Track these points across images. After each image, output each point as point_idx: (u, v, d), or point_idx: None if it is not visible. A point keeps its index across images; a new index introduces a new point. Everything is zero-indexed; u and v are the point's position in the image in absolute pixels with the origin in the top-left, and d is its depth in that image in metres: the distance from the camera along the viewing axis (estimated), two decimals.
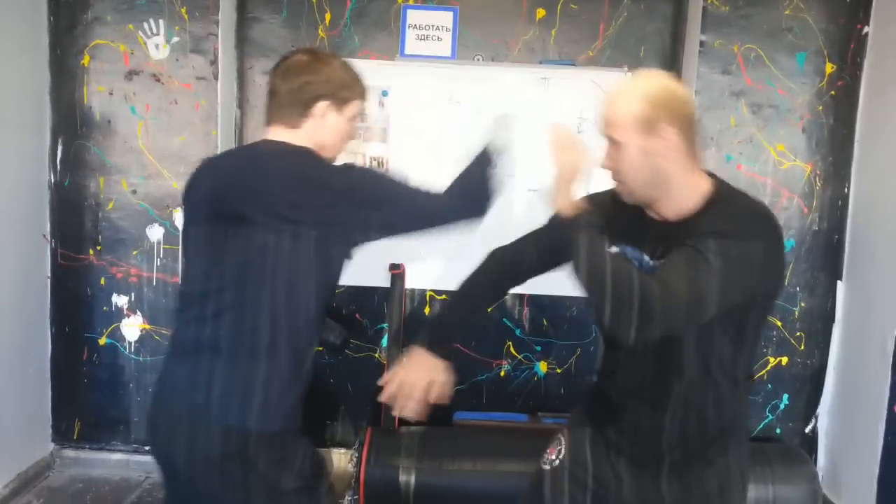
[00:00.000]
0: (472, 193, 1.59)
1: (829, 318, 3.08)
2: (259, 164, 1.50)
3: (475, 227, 1.59)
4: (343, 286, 3.21)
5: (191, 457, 1.47)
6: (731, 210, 1.39)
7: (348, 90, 1.58)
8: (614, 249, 1.44)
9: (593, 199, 1.56)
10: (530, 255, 1.67)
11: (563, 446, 1.67)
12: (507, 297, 3.23)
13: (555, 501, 1.62)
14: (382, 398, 1.56)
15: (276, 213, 1.43)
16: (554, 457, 1.67)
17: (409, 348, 1.64)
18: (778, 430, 3.14)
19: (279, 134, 1.56)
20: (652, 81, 1.44)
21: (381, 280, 3.05)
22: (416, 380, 1.54)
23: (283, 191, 1.44)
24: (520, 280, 1.72)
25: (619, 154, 1.42)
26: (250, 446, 1.45)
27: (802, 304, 3.08)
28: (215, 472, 1.46)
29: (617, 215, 1.50)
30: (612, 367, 1.60)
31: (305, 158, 1.51)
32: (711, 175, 1.48)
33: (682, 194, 1.42)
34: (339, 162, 1.62)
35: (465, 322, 1.71)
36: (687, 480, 1.51)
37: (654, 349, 1.43)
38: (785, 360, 3.11)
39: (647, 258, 1.46)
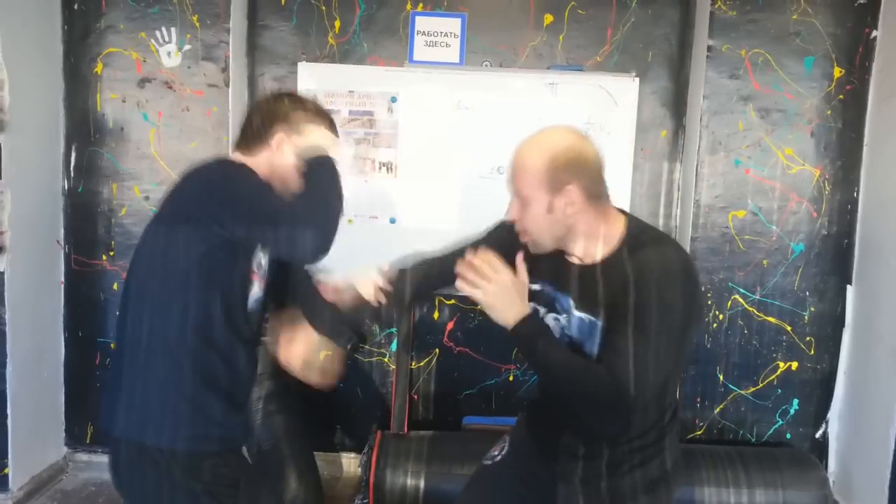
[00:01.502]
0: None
1: (839, 322, 3.07)
2: (189, 172, 1.55)
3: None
4: None
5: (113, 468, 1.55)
6: (644, 263, 1.40)
7: (306, 125, 1.61)
8: (535, 287, 1.53)
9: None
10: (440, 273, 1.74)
11: (507, 444, 1.78)
12: None
13: (494, 492, 1.74)
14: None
15: (183, 213, 1.48)
16: (496, 453, 1.79)
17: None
18: (788, 435, 3.13)
19: (237, 156, 1.63)
20: (557, 139, 1.47)
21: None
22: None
23: (191, 192, 1.49)
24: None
25: (525, 209, 1.47)
26: (155, 462, 1.48)
27: (812, 309, 3.07)
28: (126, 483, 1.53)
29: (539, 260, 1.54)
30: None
31: (229, 170, 1.54)
32: (623, 213, 1.52)
33: (592, 242, 1.48)
34: None
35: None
36: (611, 482, 1.55)
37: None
38: (795, 364, 3.10)
39: (566, 299, 1.51)
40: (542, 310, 1.57)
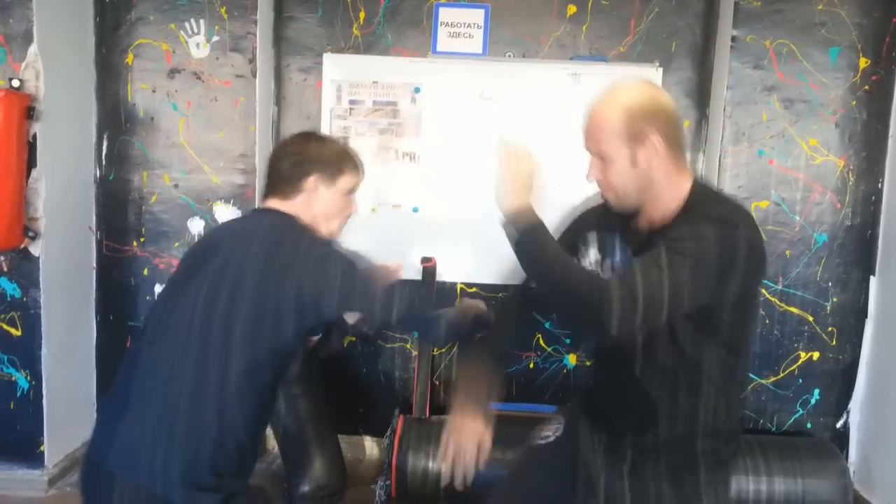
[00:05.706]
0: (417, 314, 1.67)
1: (862, 313, 3.06)
2: (253, 229, 1.59)
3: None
4: None
5: None
6: (699, 215, 1.37)
7: (338, 165, 1.66)
8: (592, 254, 1.54)
9: (585, 214, 1.62)
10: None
11: (561, 426, 1.73)
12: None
13: (546, 475, 1.70)
14: (443, 469, 1.59)
15: (245, 273, 1.46)
16: (550, 433, 1.74)
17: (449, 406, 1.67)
18: (808, 425, 3.14)
19: (274, 204, 1.64)
20: (633, 91, 1.44)
21: (413, 273, 3.11)
22: (466, 445, 1.59)
23: (260, 254, 1.49)
24: (537, 311, 1.88)
25: (608, 167, 1.44)
26: None
27: (835, 300, 3.07)
28: None
29: (608, 226, 1.54)
30: (599, 366, 1.67)
31: (291, 226, 1.59)
32: (693, 176, 1.49)
33: (667, 198, 1.45)
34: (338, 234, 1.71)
35: (498, 370, 1.75)
36: (671, 481, 1.51)
37: (630, 350, 1.47)
38: (816, 354, 3.10)
39: (624, 252, 1.51)
40: (598, 257, 1.56)
